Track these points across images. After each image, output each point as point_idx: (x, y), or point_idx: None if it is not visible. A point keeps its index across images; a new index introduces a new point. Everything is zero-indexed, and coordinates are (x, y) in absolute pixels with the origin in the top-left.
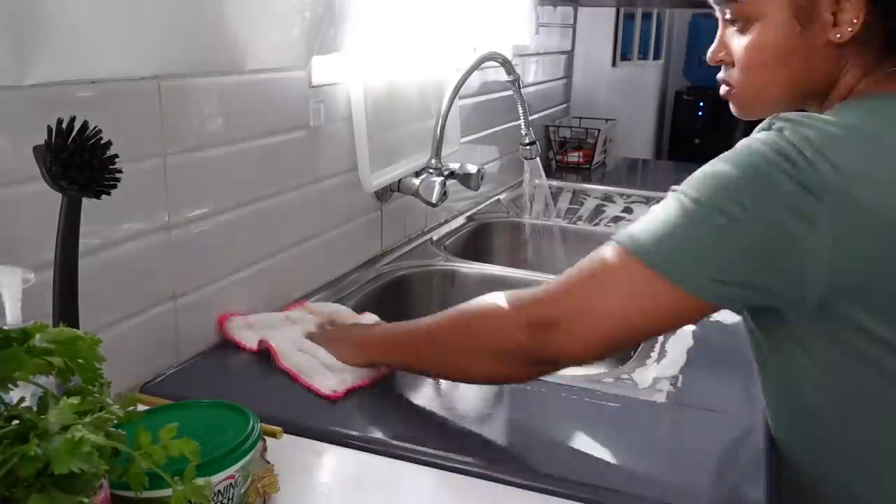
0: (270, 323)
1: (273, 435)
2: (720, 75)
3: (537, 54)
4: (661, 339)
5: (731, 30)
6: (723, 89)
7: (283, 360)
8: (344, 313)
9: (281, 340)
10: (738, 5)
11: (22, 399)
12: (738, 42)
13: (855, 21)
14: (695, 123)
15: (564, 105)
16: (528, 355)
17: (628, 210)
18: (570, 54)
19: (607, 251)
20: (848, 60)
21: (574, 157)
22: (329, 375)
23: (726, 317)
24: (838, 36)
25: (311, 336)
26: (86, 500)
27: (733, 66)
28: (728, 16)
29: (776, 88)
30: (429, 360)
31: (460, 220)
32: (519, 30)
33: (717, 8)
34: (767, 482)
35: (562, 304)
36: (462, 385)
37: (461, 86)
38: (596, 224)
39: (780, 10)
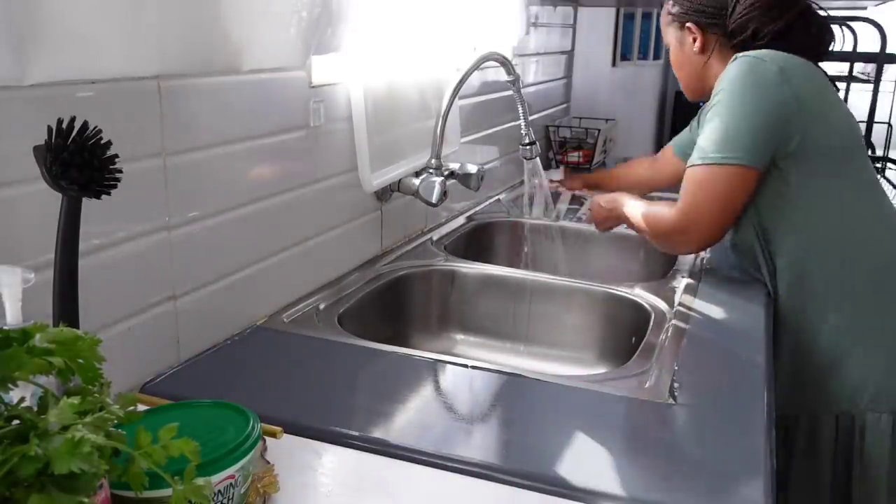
0: None
1: (273, 435)
2: None
3: (537, 54)
4: (661, 339)
5: None
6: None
7: None
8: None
9: None
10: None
11: (22, 399)
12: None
13: (698, 41)
14: None
15: (564, 105)
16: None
17: None
18: (570, 54)
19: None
20: (716, 62)
21: (574, 157)
22: None
23: (726, 316)
24: (695, 49)
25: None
26: (86, 500)
27: None
28: None
29: (688, 84)
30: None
31: (460, 220)
32: (509, 29)
33: None
34: (767, 482)
35: (686, 218)
36: (462, 385)
37: (461, 86)
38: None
39: (671, 39)
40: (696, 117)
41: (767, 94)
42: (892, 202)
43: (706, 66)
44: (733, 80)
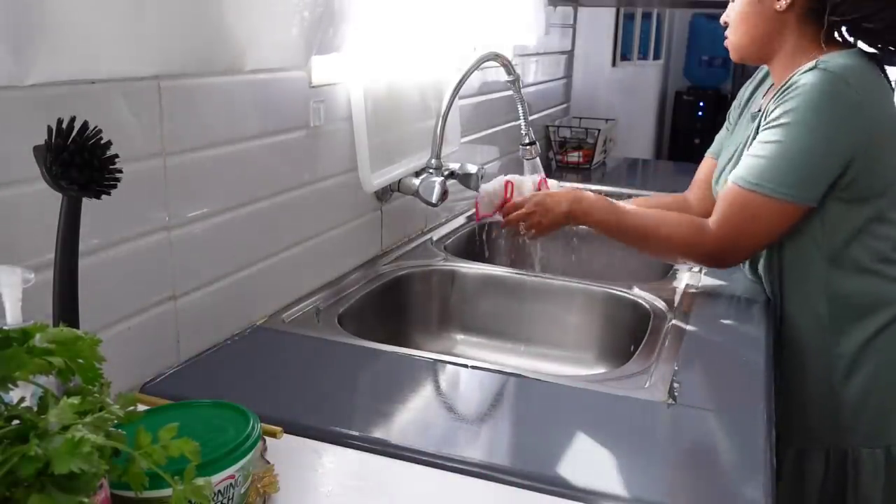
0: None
1: (273, 435)
2: (726, 32)
3: (537, 54)
4: (661, 338)
5: (731, 2)
6: (725, 41)
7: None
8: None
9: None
10: None
11: (22, 399)
12: (731, 8)
13: None
14: (695, 123)
15: (564, 105)
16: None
17: None
18: (570, 54)
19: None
20: (788, 29)
21: (574, 157)
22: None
23: (726, 316)
24: (779, 7)
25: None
26: (86, 500)
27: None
28: None
29: (744, 41)
30: (635, 245)
31: (460, 220)
32: (526, 30)
33: None
34: (767, 482)
35: (727, 244)
36: (462, 385)
37: (461, 86)
38: None
39: None
40: (731, 115)
41: (842, 131)
42: None
43: (780, 29)
44: (810, 100)
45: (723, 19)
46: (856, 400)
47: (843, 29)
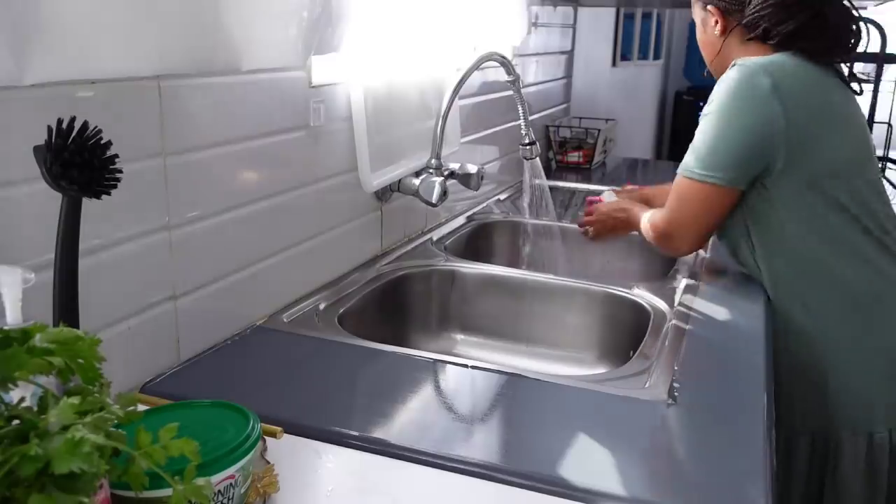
0: None
1: (273, 435)
2: None
3: (537, 54)
4: (660, 338)
5: None
6: None
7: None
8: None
9: None
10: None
11: (22, 399)
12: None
13: (719, 25)
14: (695, 123)
15: (564, 105)
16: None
17: None
18: (570, 54)
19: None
20: (734, 47)
21: (574, 157)
22: None
23: (725, 316)
24: (716, 32)
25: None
26: (86, 500)
27: None
28: None
29: (709, 62)
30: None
31: (460, 220)
32: (512, 29)
33: None
34: (767, 482)
35: (667, 225)
36: (462, 385)
37: (461, 86)
38: None
39: (697, 18)
40: None
41: (753, 113)
42: (893, 214)
43: (725, 49)
44: (725, 91)
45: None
46: (840, 386)
47: (775, 38)
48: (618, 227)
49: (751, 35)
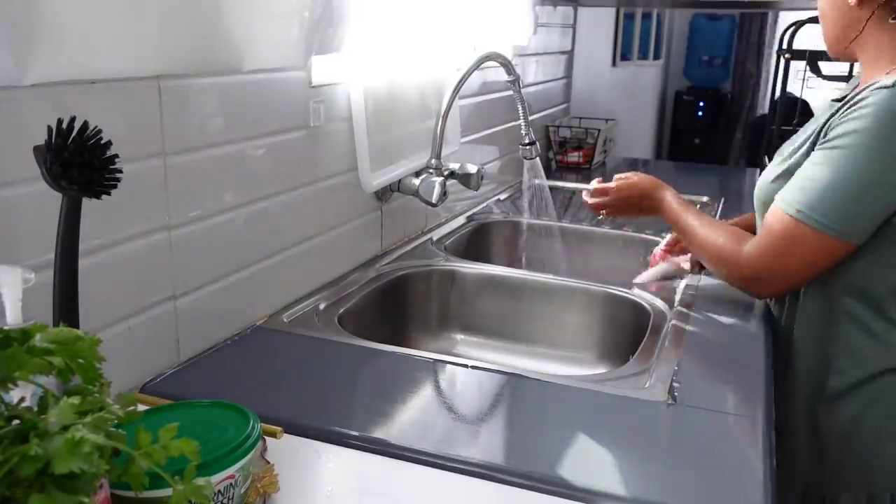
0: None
1: (273, 435)
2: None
3: (537, 54)
4: (660, 338)
5: None
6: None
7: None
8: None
9: None
10: None
11: (22, 399)
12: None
13: None
14: (695, 123)
15: (564, 105)
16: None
17: None
18: (570, 54)
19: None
20: (867, 26)
21: (574, 157)
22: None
23: (725, 317)
24: (852, 1)
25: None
26: (86, 499)
27: None
28: None
29: (827, 37)
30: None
31: (460, 220)
32: (517, 30)
33: None
34: (767, 482)
35: (762, 270)
36: (462, 385)
37: (461, 86)
38: (596, 224)
39: None
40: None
41: None
42: None
43: (857, 26)
44: (876, 123)
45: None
46: (841, 441)
47: None
48: (631, 210)
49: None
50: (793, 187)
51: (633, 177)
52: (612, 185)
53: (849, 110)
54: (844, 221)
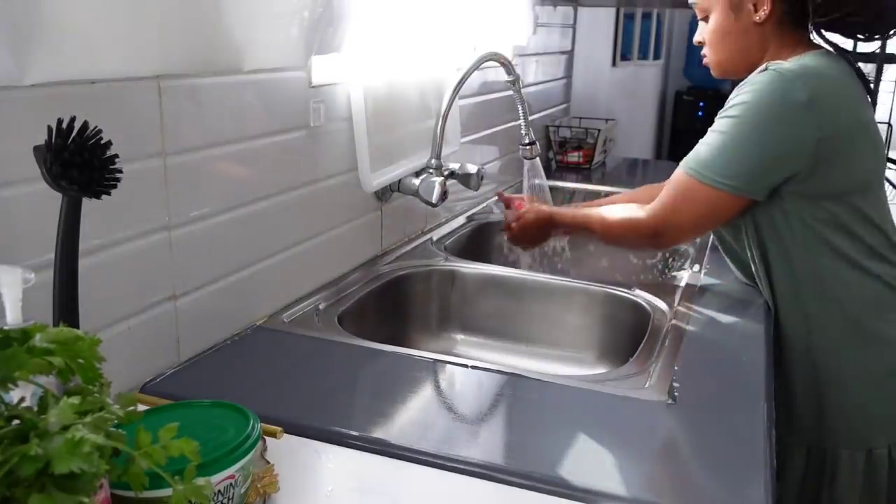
0: None
1: (273, 435)
2: (703, 52)
3: (537, 54)
4: (660, 338)
5: (702, 22)
6: (704, 60)
7: None
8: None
9: None
10: (698, 5)
11: (22, 399)
12: (705, 28)
13: (766, 8)
14: (695, 123)
15: (564, 105)
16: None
17: None
18: (570, 54)
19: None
20: (769, 37)
21: (574, 157)
22: None
23: (725, 317)
24: (757, 19)
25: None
26: (86, 500)
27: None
28: (697, 13)
29: (725, 57)
30: (599, 238)
31: (460, 220)
32: (517, 30)
33: (693, 7)
34: (767, 482)
35: (661, 223)
36: (462, 385)
37: (461, 86)
38: None
39: (720, 5)
40: None
41: (787, 129)
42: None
43: (759, 41)
44: (756, 97)
45: (696, 39)
46: (840, 401)
47: (821, 29)
48: (539, 236)
49: (814, 23)
50: (692, 153)
51: (525, 214)
52: (513, 223)
53: (740, 88)
54: (732, 178)
